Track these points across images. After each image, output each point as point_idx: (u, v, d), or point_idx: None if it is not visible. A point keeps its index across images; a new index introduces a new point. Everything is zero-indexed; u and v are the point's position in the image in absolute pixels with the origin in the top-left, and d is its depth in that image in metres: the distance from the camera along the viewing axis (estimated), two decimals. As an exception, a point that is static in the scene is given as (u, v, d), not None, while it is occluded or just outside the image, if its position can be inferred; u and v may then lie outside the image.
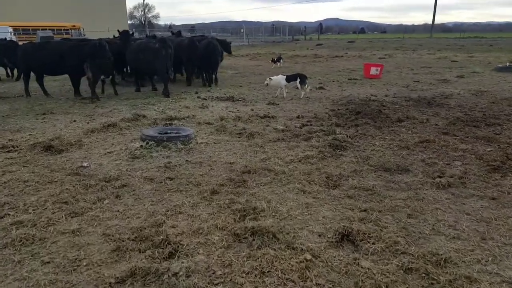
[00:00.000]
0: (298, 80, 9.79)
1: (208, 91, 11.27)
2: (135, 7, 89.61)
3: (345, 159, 5.00)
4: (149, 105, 9.18)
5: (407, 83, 12.17)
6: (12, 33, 33.38)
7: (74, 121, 7.58)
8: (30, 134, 6.55)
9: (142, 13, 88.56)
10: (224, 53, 17.74)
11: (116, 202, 3.86)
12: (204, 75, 12.52)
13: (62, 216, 3.53)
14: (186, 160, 5.03)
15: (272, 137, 6.02)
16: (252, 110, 8.35)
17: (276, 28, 72.00)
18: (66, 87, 11.99)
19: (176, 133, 5.92)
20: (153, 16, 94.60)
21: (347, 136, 5.95)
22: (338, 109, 8.22)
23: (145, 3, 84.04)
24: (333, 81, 12.94)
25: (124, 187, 4.20)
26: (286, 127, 6.69)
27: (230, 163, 4.90)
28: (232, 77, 15.07)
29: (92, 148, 5.70)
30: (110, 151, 5.45)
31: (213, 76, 12.41)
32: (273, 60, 17.16)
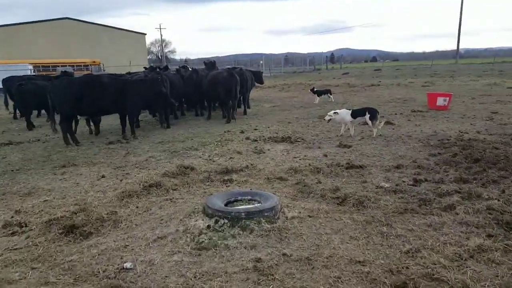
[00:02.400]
0: (368, 116, 7.96)
1: (255, 129, 9.52)
2: (152, 43, 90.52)
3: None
4: (191, 151, 7.45)
5: (487, 115, 10.22)
6: (32, 71, 32.94)
7: (103, 177, 5.86)
8: (45, 201, 4.82)
9: (159, 48, 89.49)
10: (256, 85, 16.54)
11: None
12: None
13: None
14: (284, 254, 3.17)
15: (390, 205, 4.13)
16: (326, 156, 6.52)
17: (288, 59, 71.23)
18: (84, 128, 10.42)
19: (251, 199, 4.11)
20: (169, 51, 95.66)
21: (501, 201, 4.02)
22: (440, 153, 6.31)
23: (162, 38, 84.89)
24: (395, 114, 11.08)
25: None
26: (397, 185, 4.80)
27: (358, 262, 3.01)
28: (272, 111, 13.38)
29: (133, 227, 3.90)
30: (162, 235, 3.63)
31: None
32: (313, 90, 15.34)
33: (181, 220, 3.90)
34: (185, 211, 4.11)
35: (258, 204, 3.94)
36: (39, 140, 9.39)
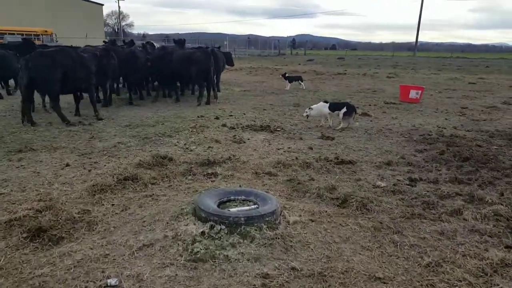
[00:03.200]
0: (344, 110, 7.70)
1: (231, 115, 9.03)
2: (108, 15, 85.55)
3: None
4: (165, 137, 6.87)
5: (458, 111, 10.38)
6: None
7: (67, 165, 5.19)
8: (1, 194, 4.13)
9: (116, 21, 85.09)
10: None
11: None
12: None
13: None
14: (293, 268, 2.81)
15: (394, 208, 3.88)
16: (311, 149, 6.21)
17: (251, 42, 70.42)
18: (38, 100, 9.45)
19: (245, 199, 3.71)
20: (127, 24, 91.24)
21: (505, 205, 3.90)
22: (426, 150, 6.20)
23: (120, 10, 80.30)
24: (370, 105, 11.00)
25: None
26: (394, 184, 4.57)
27: (378, 278, 2.72)
28: (243, 96, 12.90)
29: (111, 230, 3.37)
30: (147, 241, 3.15)
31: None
32: (284, 76, 14.98)
33: (167, 223, 3.42)
34: (171, 212, 3.63)
35: (254, 206, 3.54)
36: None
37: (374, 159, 5.65)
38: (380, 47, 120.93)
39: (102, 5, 57.92)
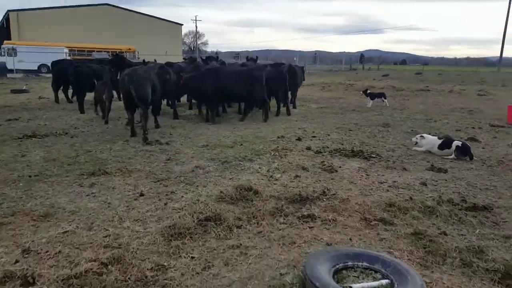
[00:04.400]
0: (455, 150, 6.33)
1: (314, 136, 8.08)
2: (185, 34, 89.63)
3: None
4: (245, 161, 6.10)
5: None
6: (67, 54, 32.54)
7: (141, 195, 4.57)
8: (65, 233, 3.55)
9: (193, 39, 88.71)
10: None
11: None
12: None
13: None
14: None
15: None
16: (425, 185, 5.02)
17: (318, 57, 68.88)
18: (117, 121, 9.24)
19: (368, 268, 2.70)
20: (202, 43, 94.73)
21: None
22: None
23: (197, 30, 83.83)
24: (473, 128, 9.41)
25: None
26: None
27: None
28: (322, 113, 11.86)
29: (192, 302, 2.54)
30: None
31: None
32: (366, 93, 13.73)
33: (267, 296, 2.52)
34: (267, 278, 2.74)
35: (386, 282, 2.52)
36: (66, 133, 8.25)
37: (513, 204, 4.33)
38: (455, 62, 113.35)
39: (182, 25, 60.52)
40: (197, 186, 4.97)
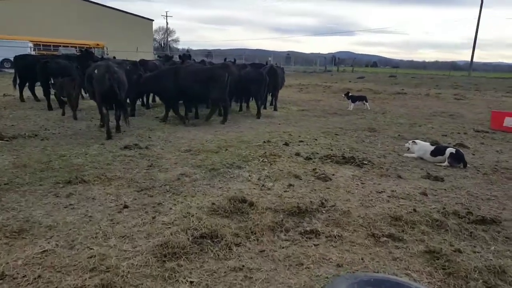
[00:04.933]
0: (448, 157, 6.24)
1: (301, 141, 7.83)
2: (155, 30, 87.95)
3: None
4: (234, 168, 5.76)
5: None
6: (32, 49, 31.04)
7: (125, 207, 4.16)
8: (43, 252, 3.11)
9: (163, 36, 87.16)
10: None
11: None
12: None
13: None
14: None
15: None
16: (425, 195, 4.85)
17: (289, 58, 69.26)
18: (90, 122, 8.69)
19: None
20: (173, 40, 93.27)
21: None
22: None
23: (167, 26, 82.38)
24: (459, 133, 9.45)
25: None
26: None
27: None
28: (304, 116, 11.68)
29: None
30: None
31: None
32: (347, 96, 13.63)
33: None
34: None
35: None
36: (36, 135, 7.63)
37: (517, 216, 4.22)
38: (423, 65, 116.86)
39: (153, 20, 59.20)
40: (185, 196, 4.60)
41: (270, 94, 13.33)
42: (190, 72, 9.30)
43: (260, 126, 9.61)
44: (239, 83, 10.62)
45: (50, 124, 8.90)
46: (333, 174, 5.66)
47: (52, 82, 10.35)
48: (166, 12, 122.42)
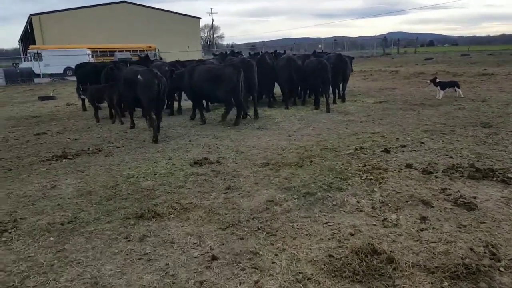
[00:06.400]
0: None
1: (403, 146, 6.46)
2: (201, 28, 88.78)
3: None
4: (333, 191, 4.60)
5: None
6: (90, 55, 31.92)
7: (214, 259, 3.17)
8: None
9: (208, 33, 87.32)
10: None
11: None
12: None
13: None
14: None
15: None
16: None
17: (337, 43, 66.00)
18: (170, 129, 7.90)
19: None
20: (218, 36, 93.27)
21: None
22: None
23: (213, 23, 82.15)
24: None
25: None
26: None
27: None
28: (386, 110, 10.12)
29: None
30: None
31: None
32: (434, 82, 11.71)
33: None
34: None
35: None
36: (100, 150, 7.00)
37: None
38: (487, 40, 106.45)
39: (200, 18, 59.07)
40: (283, 238, 3.53)
41: (341, 84, 12.02)
42: (201, 71, 8.86)
43: (339, 126, 8.34)
44: (300, 74, 10.48)
45: (113, 135, 8.31)
46: (474, 197, 4.27)
47: (82, 88, 10.03)
48: (211, 9, 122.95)
